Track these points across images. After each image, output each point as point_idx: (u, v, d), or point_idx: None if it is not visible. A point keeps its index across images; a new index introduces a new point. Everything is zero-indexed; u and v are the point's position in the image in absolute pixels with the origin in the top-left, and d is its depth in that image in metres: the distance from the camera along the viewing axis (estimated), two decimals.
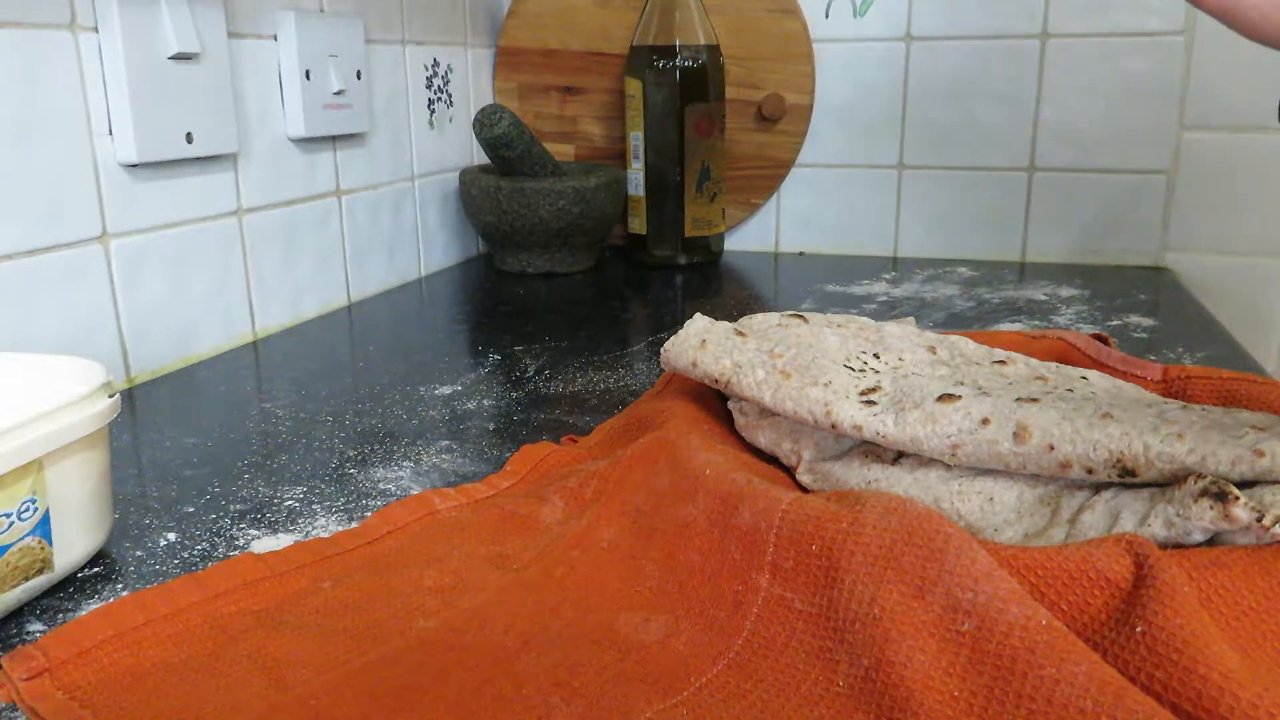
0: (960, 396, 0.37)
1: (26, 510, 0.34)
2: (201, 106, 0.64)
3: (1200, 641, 0.26)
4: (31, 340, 0.54)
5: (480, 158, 1.03)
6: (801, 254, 1.03)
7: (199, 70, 0.63)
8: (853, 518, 0.32)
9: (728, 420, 0.48)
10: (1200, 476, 0.32)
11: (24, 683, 0.30)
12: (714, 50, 0.92)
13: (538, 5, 1.02)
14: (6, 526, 0.33)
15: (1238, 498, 0.31)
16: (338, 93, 0.77)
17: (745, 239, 1.05)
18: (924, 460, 0.39)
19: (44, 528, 0.35)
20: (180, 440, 0.51)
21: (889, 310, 0.77)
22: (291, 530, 0.41)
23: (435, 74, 0.94)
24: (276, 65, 0.72)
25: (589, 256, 0.94)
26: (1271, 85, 0.87)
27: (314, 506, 0.43)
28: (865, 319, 0.53)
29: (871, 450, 0.40)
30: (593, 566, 0.36)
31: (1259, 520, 0.30)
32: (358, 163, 0.83)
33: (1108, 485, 0.35)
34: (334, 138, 0.79)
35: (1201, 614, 0.27)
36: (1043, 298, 0.81)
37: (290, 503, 0.44)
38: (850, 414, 0.39)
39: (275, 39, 0.72)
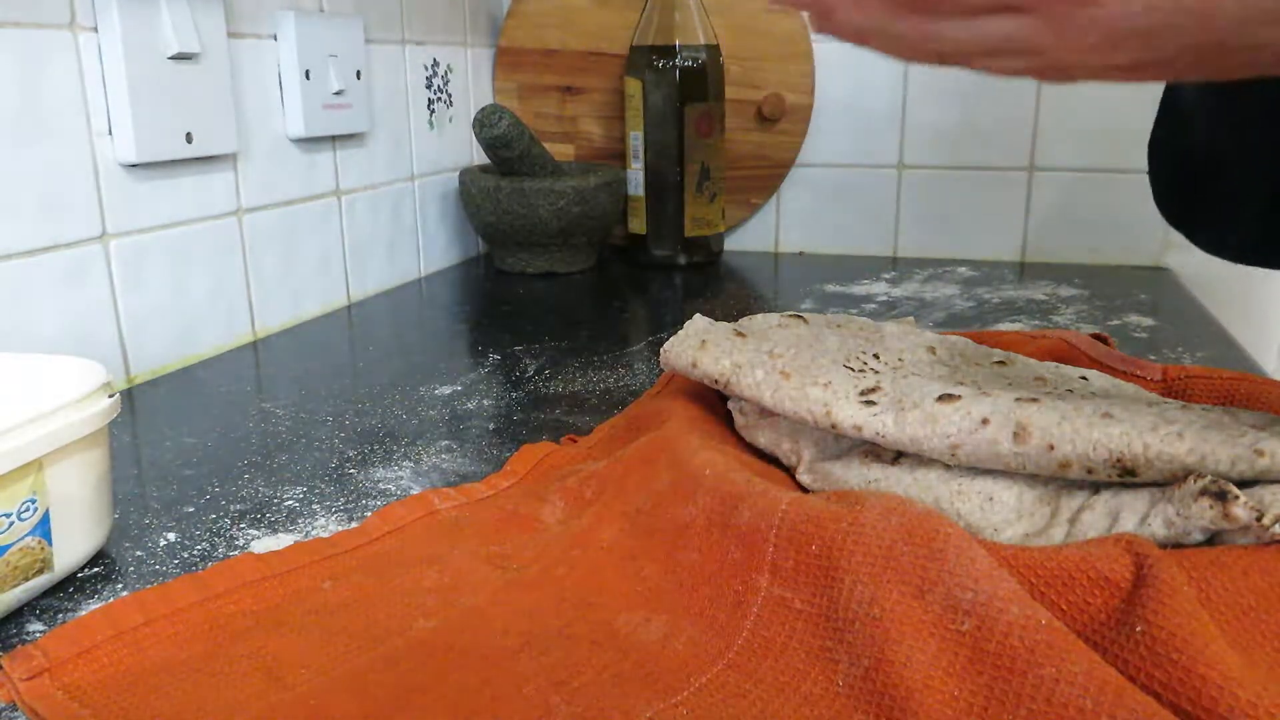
0: (960, 396, 0.37)
1: (26, 510, 0.34)
2: (201, 106, 0.64)
3: (1200, 641, 0.26)
4: (31, 340, 0.54)
5: (480, 158, 1.03)
6: (801, 254, 1.03)
7: (199, 70, 0.63)
8: (853, 518, 0.32)
9: (728, 420, 0.48)
10: (1200, 476, 0.32)
11: (24, 683, 0.30)
12: (714, 50, 0.92)
13: (538, 5, 1.02)
14: (6, 526, 0.33)
15: (1237, 497, 0.31)
16: (337, 93, 0.77)
17: (745, 239, 1.05)
18: (924, 460, 0.39)
19: (44, 528, 0.35)
20: (180, 440, 0.51)
21: (889, 310, 0.77)
22: (291, 530, 0.41)
23: (435, 74, 0.94)
24: (276, 65, 0.72)
25: (589, 256, 0.94)
26: None
27: (314, 506, 0.43)
28: (865, 319, 0.53)
29: (871, 450, 0.40)
30: (592, 566, 0.36)
31: (1258, 520, 0.30)
32: (357, 163, 0.83)
33: (1108, 485, 0.35)
34: (334, 138, 0.79)
35: (1201, 614, 0.27)
36: (1042, 298, 0.81)
37: (290, 503, 0.44)
38: (850, 414, 0.39)
39: (275, 39, 0.72)
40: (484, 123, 0.86)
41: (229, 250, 0.69)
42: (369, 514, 0.42)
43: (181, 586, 0.34)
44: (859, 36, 0.32)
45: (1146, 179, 0.85)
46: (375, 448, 0.50)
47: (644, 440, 0.42)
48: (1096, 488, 0.35)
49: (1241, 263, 0.54)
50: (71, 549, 0.36)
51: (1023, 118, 0.94)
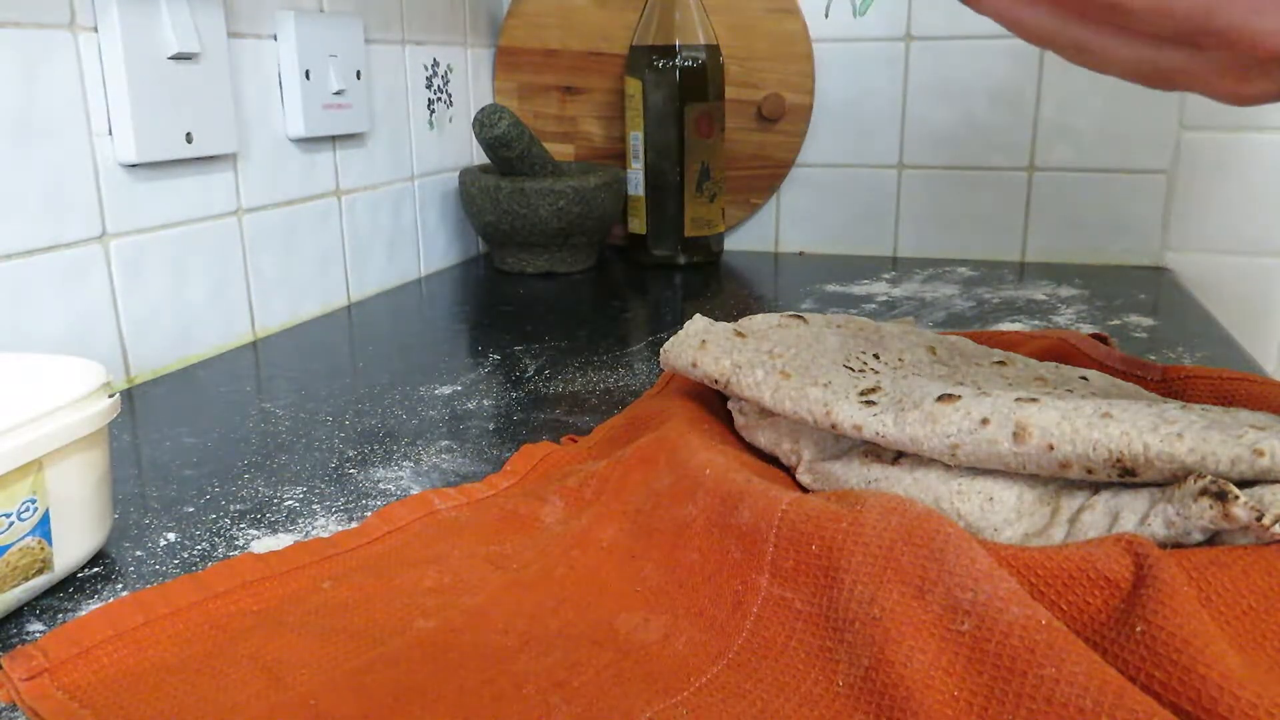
0: (960, 396, 0.37)
1: (26, 510, 0.34)
2: (201, 106, 0.64)
3: (1200, 641, 0.26)
4: (31, 340, 0.54)
5: (480, 158, 1.03)
6: (801, 254, 1.03)
7: (199, 70, 0.63)
8: (853, 518, 0.32)
9: (728, 420, 0.48)
10: (1200, 476, 0.32)
11: (24, 683, 0.30)
12: (714, 50, 0.92)
13: (538, 5, 1.02)
14: (6, 526, 0.33)
15: (1237, 497, 0.31)
16: (337, 93, 0.77)
17: (745, 239, 1.05)
18: (924, 460, 0.39)
19: (44, 528, 0.35)
20: (180, 440, 0.51)
21: (889, 310, 0.77)
22: (291, 530, 0.41)
23: (435, 74, 0.94)
24: (276, 65, 0.72)
25: (589, 256, 0.94)
26: None
27: (314, 506, 0.43)
28: (865, 319, 0.53)
29: (871, 450, 0.40)
30: (592, 566, 0.36)
31: (1258, 519, 0.30)
32: (357, 163, 0.83)
33: (1108, 485, 0.35)
34: (334, 138, 0.79)
35: (1201, 614, 0.27)
36: (1042, 297, 0.81)
37: (290, 503, 0.44)
38: (849, 414, 0.39)
39: (275, 39, 0.72)
40: (484, 123, 0.86)
41: (229, 250, 0.69)
42: (369, 514, 0.42)
43: (181, 586, 0.34)
44: (1039, 37, 0.35)
45: (1146, 179, 0.85)
46: (375, 448, 0.50)
47: (644, 440, 0.42)
48: (1096, 488, 0.35)
49: None
50: (71, 549, 0.36)
51: (1023, 118, 0.94)
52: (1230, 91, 0.34)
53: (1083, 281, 0.86)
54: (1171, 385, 0.49)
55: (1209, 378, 0.48)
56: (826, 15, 0.97)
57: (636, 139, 0.93)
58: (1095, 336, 0.58)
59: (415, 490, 0.44)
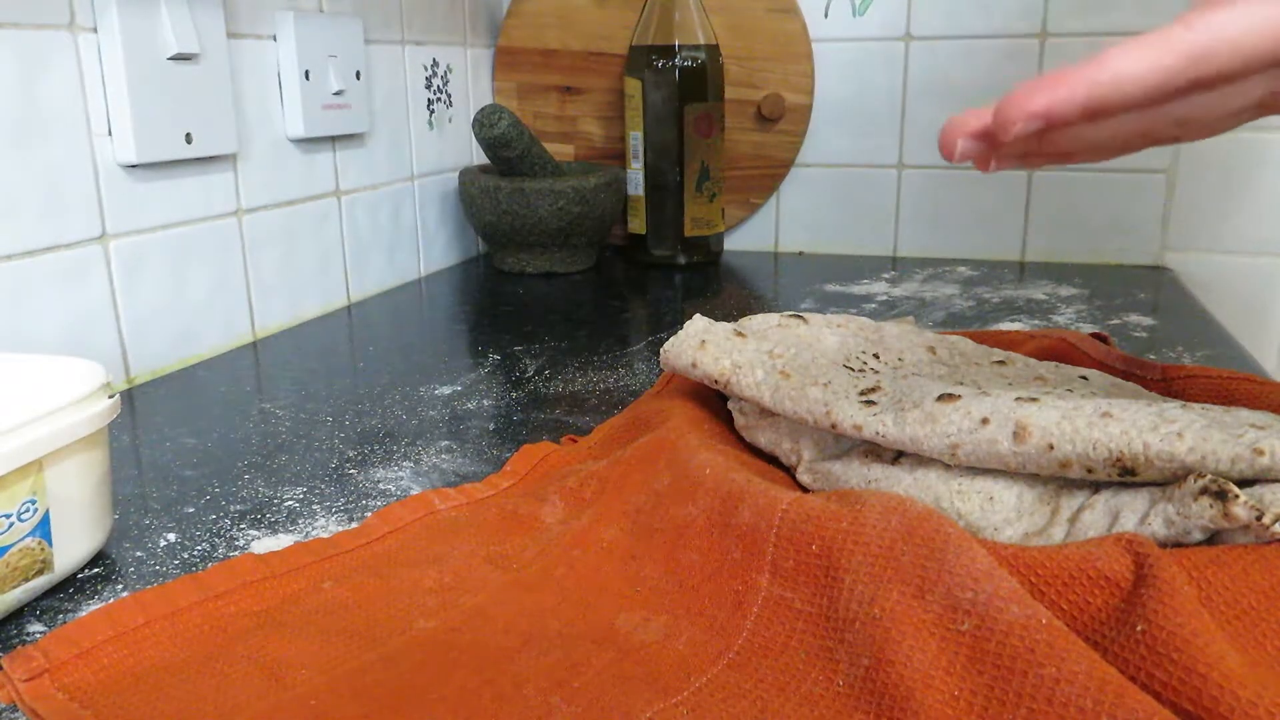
0: (960, 396, 0.37)
1: (26, 511, 0.34)
2: (201, 107, 0.64)
3: (1200, 640, 0.26)
4: (31, 340, 0.54)
5: (480, 158, 1.03)
6: (801, 254, 1.03)
7: (198, 70, 0.63)
8: (853, 517, 0.32)
9: (728, 420, 0.48)
10: (1200, 475, 0.32)
11: (24, 683, 0.30)
12: (714, 50, 0.92)
13: (537, 5, 1.02)
14: (6, 527, 0.33)
15: (1237, 496, 0.31)
16: (337, 93, 0.77)
17: (745, 239, 1.05)
18: (924, 460, 0.39)
19: (44, 528, 0.35)
20: (180, 440, 0.51)
21: (889, 310, 0.77)
22: (291, 530, 0.41)
23: (435, 74, 0.94)
24: (276, 65, 0.72)
25: (589, 256, 0.94)
26: None
27: (314, 506, 0.43)
28: (865, 319, 0.53)
29: (871, 450, 0.40)
30: (593, 566, 0.36)
31: (1258, 519, 0.30)
32: (357, 163, 0.83)
33: (1108, 484, 0.35)
34: (333, 138, 0.79)
35: (1201, 613, 0.27)
36: (1042, 297, 0.81)
37: (290, 503, 0.44)
38: (850, 414, 0.39)
39: (274, 39, 0.72)
40: (484, 123, 0.86)
41: (229, 250, 0.69)
42: (369, 514, 0.42)
43: (181, 587, 0.34)
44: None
45: (1146, 179, 0.85)
46: (375, 448, 0.50)
47: (644, 440, 0.42)
48: (1096, 487, 0.35)
49: None
50: (71, 549, 0.36)
51: None
52: None
53: (1083, 281, 0.86)
54: (1171, 385, 0.49)
55: (1209, 378, 0.48)
56: (826, 15, 0.97)
57: (636, 139, 0.93)
58: (1095, 336, 0.58)
59: (415, 490, 0.44)
